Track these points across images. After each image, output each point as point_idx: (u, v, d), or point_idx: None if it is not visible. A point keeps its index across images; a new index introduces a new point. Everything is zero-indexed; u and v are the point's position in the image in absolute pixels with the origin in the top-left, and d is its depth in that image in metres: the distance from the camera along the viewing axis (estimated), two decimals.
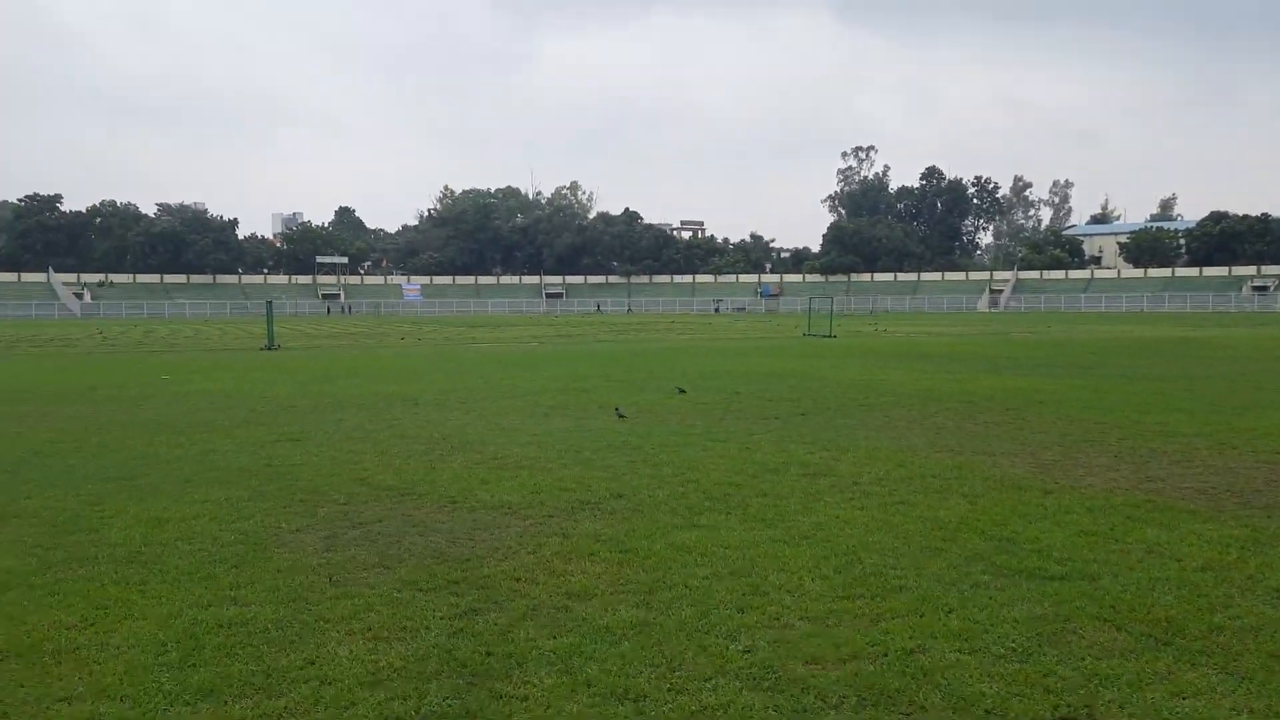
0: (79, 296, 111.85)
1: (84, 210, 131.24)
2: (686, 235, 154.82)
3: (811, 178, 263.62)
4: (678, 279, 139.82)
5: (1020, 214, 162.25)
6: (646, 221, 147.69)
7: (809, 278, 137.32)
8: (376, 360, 28.51)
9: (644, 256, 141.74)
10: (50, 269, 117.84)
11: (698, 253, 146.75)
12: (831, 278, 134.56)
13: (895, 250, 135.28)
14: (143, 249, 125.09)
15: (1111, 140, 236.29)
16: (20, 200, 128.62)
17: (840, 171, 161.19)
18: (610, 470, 10.00)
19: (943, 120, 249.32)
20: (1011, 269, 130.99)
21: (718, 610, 5.63)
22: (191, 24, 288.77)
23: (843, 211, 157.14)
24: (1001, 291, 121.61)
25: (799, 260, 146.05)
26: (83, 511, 8.16)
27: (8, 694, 4.49)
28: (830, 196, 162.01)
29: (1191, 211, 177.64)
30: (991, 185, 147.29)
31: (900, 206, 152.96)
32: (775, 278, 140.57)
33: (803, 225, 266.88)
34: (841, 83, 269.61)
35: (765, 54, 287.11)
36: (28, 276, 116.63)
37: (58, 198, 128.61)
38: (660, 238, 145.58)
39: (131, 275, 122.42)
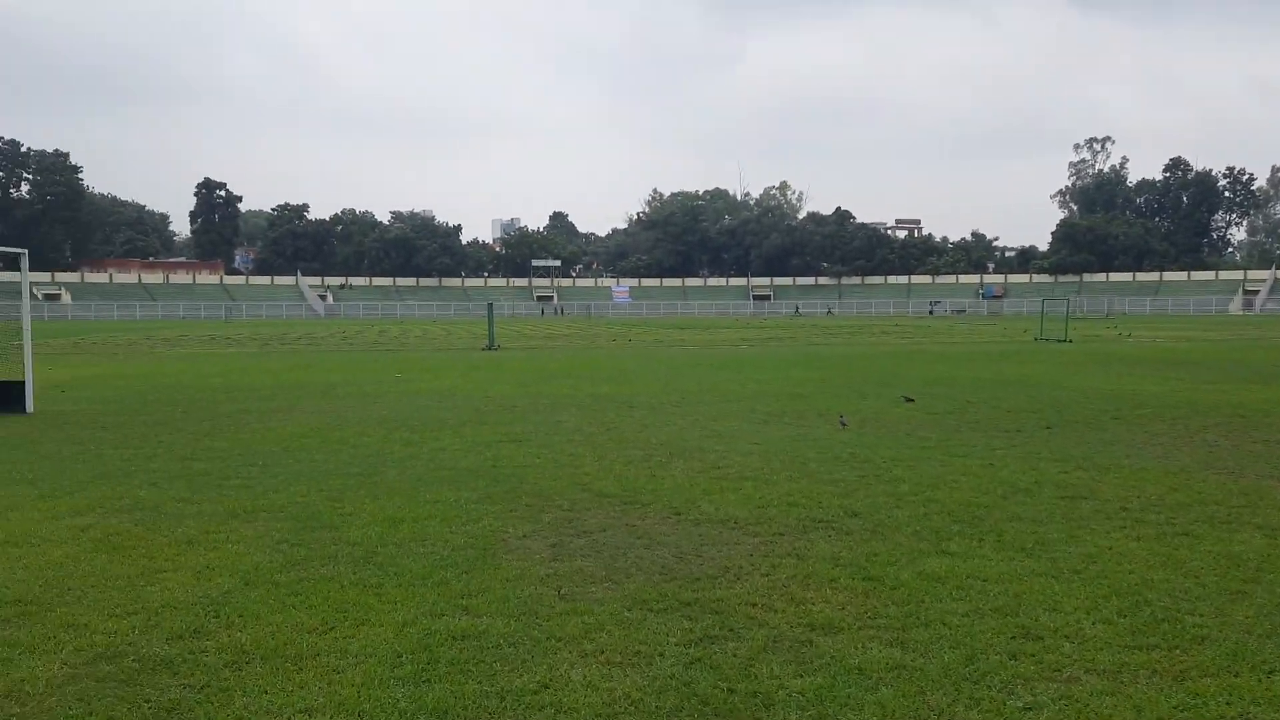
0: (322, 298, 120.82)
1: (327, 218, 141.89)
2: (901, 234, 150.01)
3: (1038, 172, 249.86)
4: (892, 279, 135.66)
5: (1279, 207, 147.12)
6: (859, 221, 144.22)
7: (1036, 278, 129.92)
8: (589, 361, 28.91)
9: (856, 257, 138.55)
10: (298, 272, 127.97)
11: (914, 252, 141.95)
12: (1061, 278, 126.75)
13: (1134, 248, 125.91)
14: (378, 254, 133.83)
15: None
16: (273, 210, 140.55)
17: (1072, 165, 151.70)
18: (840, 485, 9.40)
19: (1185, 108, 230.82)
20: (1269, 267, 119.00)
21: (986, 656, 4.98)
22: (417, 45, 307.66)
23: (1074, 207, 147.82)
24: (1257, 292, 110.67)
25: (1025, 259, 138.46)
26: (324, 508, 8.38)
27: (254, 701, 4.47)
28: (1060, 191, 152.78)
29: None
30: (1246, 176, 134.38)
31: (1140, 201, 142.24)
32: (999, 278, 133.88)
33: (1028, 222, 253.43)
34: (1072, 71, 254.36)
35: (989, 43, 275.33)
36: (279, 279, 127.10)
37: (305, 207, 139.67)
38: (873, 237, 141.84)
39: (368, 278, 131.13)
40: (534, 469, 10.16)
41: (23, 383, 14.92)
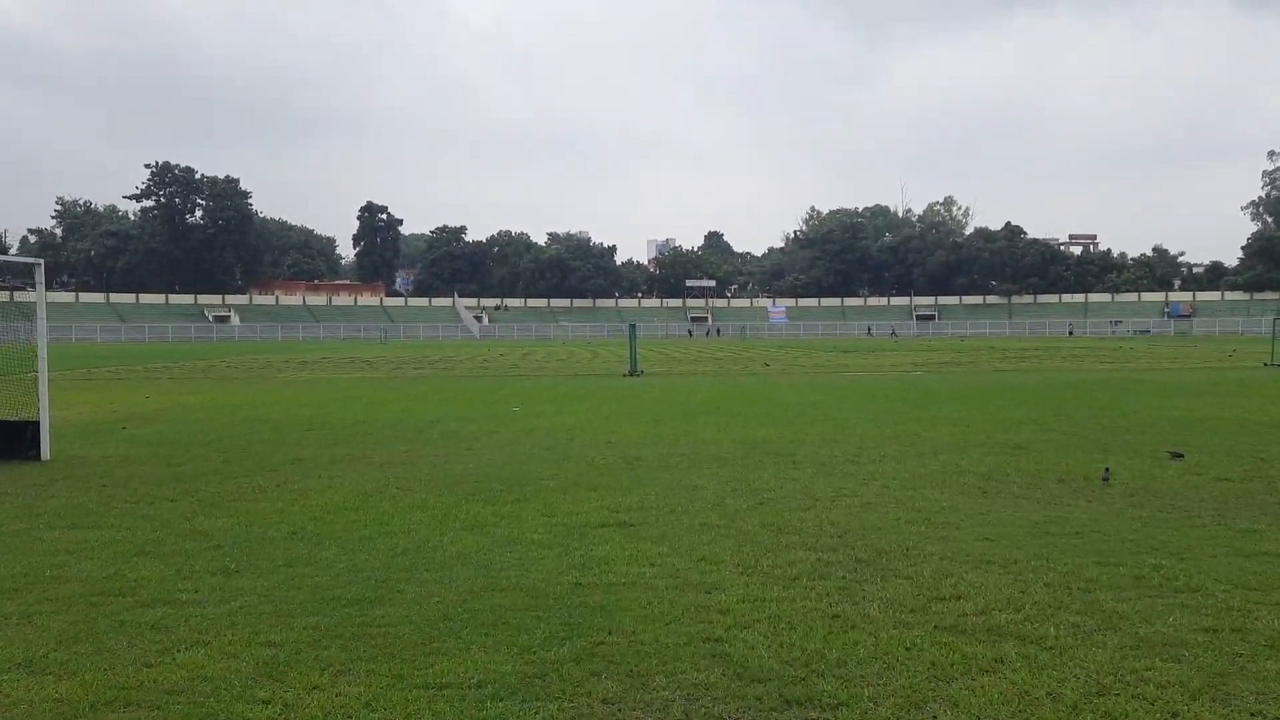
0: (478, 319, 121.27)
1: (484, 240, 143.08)
2: (1076, 250, 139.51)
3: (1223, 183, 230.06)
4: (1066, 298, 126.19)
5: None
6: (1030, 236, 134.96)
7: (1228, 295, 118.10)
8: (741, 392, 24.94)
9: (1027, 274, 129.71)
10: (455, 293, 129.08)
11: (1090, 269, 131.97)
12: (1258, 295, 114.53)
13: None
14: (532, 275, 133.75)
15: None
16: (432, 232, 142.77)
17: (1266, 174, 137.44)
18: (1180, 650, 5.20)
19: None
20: None
21: None
22: (561, 73, 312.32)
23: (1269, 219, 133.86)
24: None
25: (1215, 276, 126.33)
26: (238, 695, 4.80)
27: None
28: (1253, 203, 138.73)
29: None
30: None
31: None
32: (1185, 295, 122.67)
33: (1215, 236, 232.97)
34: (1242, 74, 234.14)
35: (1149, 49, 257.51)
36: (437, 300, 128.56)
37: (463, 229, 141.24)
38: (1046, 253, 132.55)
39: (523, 299, 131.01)
40: (637, 599, 6.31)
41: (36, 424, 12.20)
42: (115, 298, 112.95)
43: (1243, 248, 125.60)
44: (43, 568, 7.04)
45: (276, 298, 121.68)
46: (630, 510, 9.19)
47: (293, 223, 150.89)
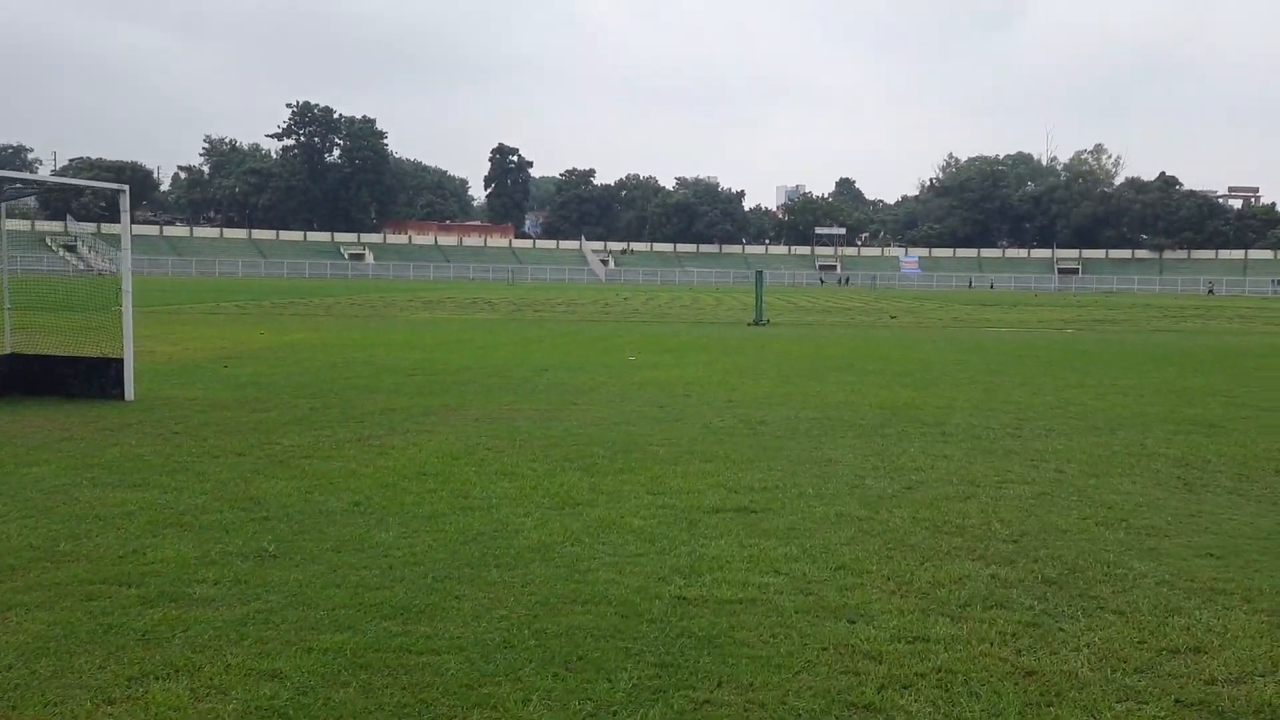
0: (604, 263, 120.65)
1: (612, 184, 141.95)
2: (1236, 204, 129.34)
3: None
4: (1224, 254, 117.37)
5: None
6: (1186, 188, 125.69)
7: None
8: (875, 346, 23.01)
9: (1182, 228, 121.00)
10: (583, 237, 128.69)
11: (1252, 223, 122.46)
12: None
13: None
14: (659, 219, 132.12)
15: None
16: (561, 175, 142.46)
17: None
18: None
19: None
20: None
21: None
22: (688, 16, 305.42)
23: None
24: None
25: None
26: None
27: None
28: None
29: None
30: None
31: None
32: None
33: None
34: None
35: None
36: (564, 244, 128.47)
37: (591, 172, 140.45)
38: (1204, 206, 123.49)
39: (649, 244, 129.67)
40: (757, 627, 4.86)
41: (120, 360, 11.47)
42: (257, 234, 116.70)
43: None
44: (58, 539, 6.04)
45: (410, 237, 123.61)
46: (751, 490, 7.72)
47: (427, 164, 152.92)
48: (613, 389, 13.94)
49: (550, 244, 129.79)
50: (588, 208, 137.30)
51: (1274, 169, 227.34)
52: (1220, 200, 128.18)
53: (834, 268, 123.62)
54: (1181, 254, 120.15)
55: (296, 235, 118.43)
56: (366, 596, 5.16)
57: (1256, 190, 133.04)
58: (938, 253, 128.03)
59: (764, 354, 20.27)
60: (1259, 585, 5.54)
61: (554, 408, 12.06)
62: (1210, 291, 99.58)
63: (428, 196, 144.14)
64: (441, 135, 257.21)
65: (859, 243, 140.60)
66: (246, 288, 60.52)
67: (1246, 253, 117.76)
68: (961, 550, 6.20)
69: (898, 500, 7.50)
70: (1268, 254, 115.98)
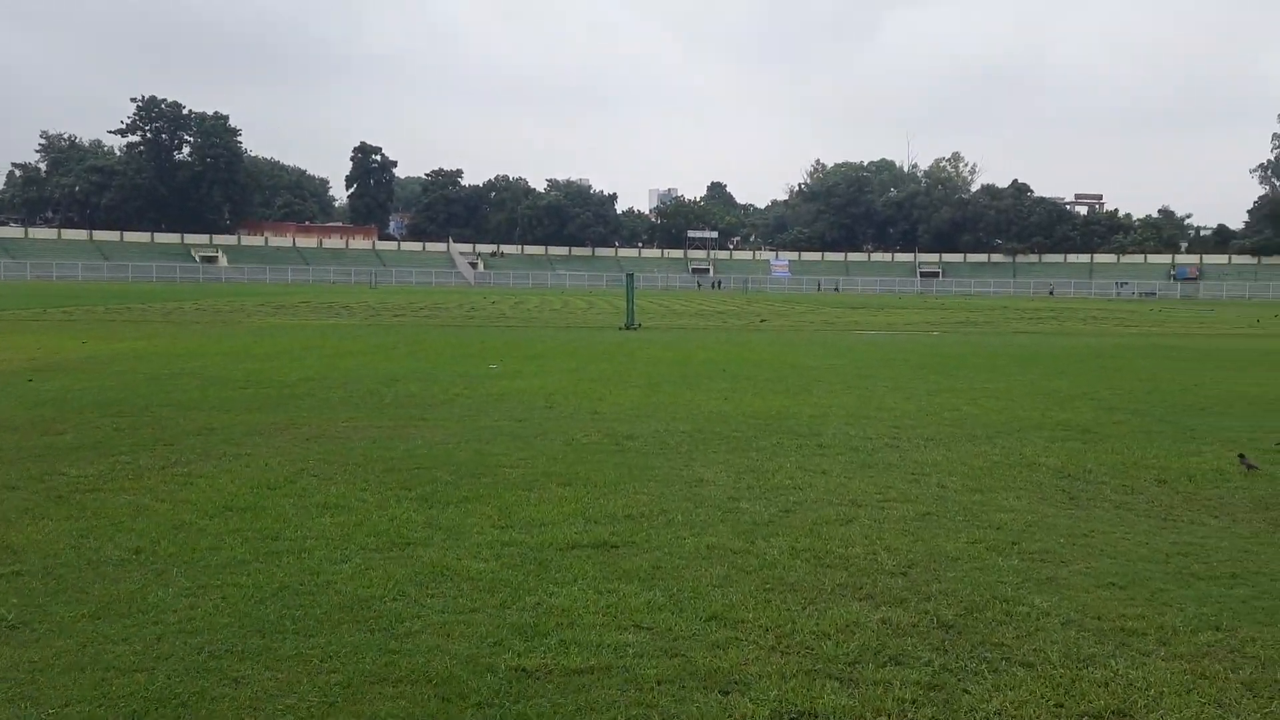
0: (473, 265, 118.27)
1: (481, 185, 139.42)
2: (1082, 210, 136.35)
3: (1229, 146, 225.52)
4: (1072, 258, 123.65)
5: None
6: (1037, 195, 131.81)
7: (1236, 259, 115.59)
8: (748, 351, 22.54)
9: (1033, 233, 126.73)
10: (450, 239, 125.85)
11: (1097, 229, 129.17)
12: (1266, 259, 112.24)
13: None
14: (530, 221, 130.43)
15: None
16: (427, 175, 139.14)
17: (1277, 137, 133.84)
18: None
19: None
20: None
21: None
22: (548, 17, 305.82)
23: (1277, 183, 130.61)
24: None
25: (1223, 239, 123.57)
26: None
27: None
28: (1261, 165, 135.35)
29: None
30: None
31: None
32: (1192, 258, 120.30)
33: (1222, 199, 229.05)
34: (1253, 38, 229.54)
35: (1156, 8, 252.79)
36: (431, 246, 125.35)
37: (458, 173, 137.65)
38: (1053, 212, 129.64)
39: (520, 246, 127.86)
40: (611, 707, 3.99)
41: None
42: (99, 235, 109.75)
43: (1249, 211, 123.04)
44: None
45: (266, 239, 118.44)
46: (613, 520, 6.84)
47: (285, 163, 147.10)
48: (468, 401, 12.87)
49: (416, 246, 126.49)
50: (455, 209, 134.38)
51: (1116, 178, 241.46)
52: (1068, 207, 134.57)
53: (707, 271, 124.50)
54: (1033, 258, 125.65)
55: (143, 237, 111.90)
56: (115, 685, 4.04)
57: (1100, 197, 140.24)
58: (807, 256, 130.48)
59: (634, 360, 19.49)
60: (1171, 623, 4.95)
61: (399, 424, 10.93)
62: (1051, 293, 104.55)
63: (286, 196, 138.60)
64: (300, 133, 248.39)
65: (731, 246, 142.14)
66: (84, 292, 56.43)
67: (1092, 256, 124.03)
68: (847, 588, 5.45)
69: (775, 527, 6.73)
70: (1111, 258, 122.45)
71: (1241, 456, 9.13)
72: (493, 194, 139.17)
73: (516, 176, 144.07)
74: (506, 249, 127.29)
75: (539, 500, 7.37)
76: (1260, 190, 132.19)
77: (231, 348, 20.76)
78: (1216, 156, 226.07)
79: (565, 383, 15.17)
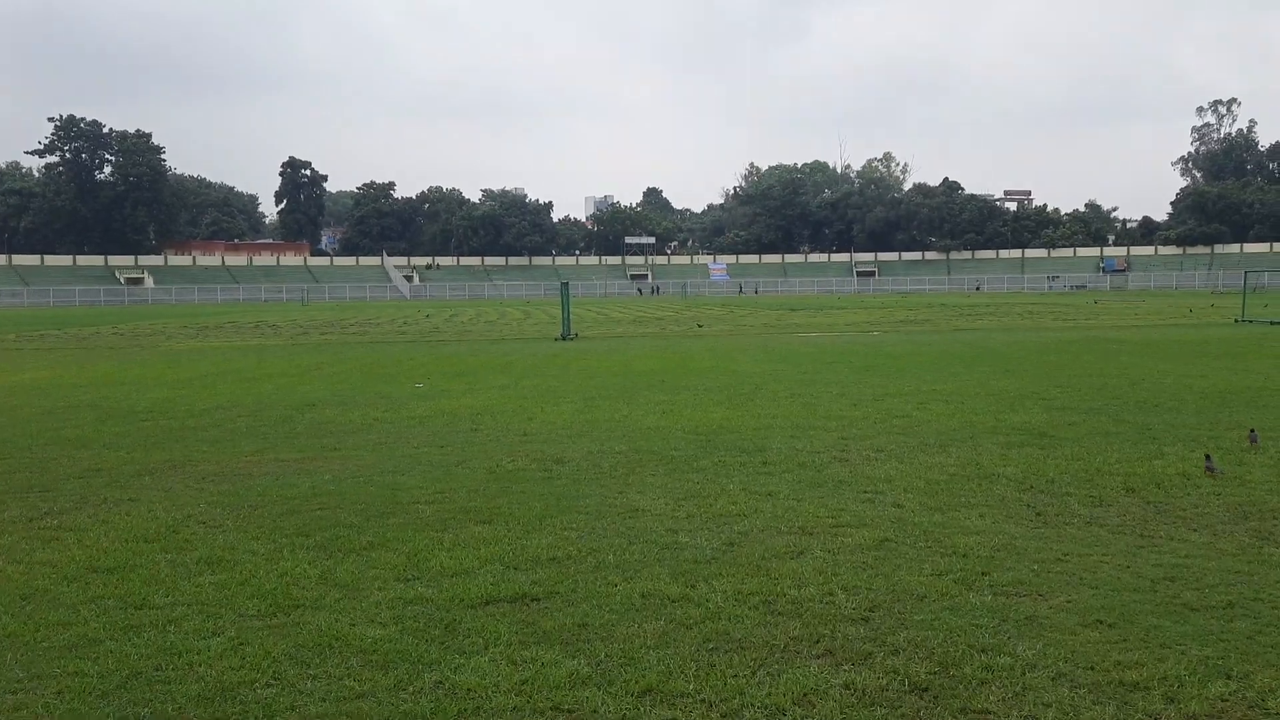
0: (408, 279, 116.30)
1: (414, 196, 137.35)
2: (1012, 206, 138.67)
3: (1149, 139, 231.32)
4: (1004, 254, 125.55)
5: None
6: (968, 192, 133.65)
7: (1162, 250, 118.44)
8: (688, 359, 21.86)
9: (965, 230, 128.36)
10: (384, 252, 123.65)
11: (1027, 224, 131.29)
12: (1190, 249, 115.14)
13: (1271, 216, 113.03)
14: (465, 232, 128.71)
15: None
16: (359, 188, 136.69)
17: (1195, 130, 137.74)
18: None
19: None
20: None
21: None
22: (479, 28, 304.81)
23: (1198, 175, 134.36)
24: None
25: (1148, 231, 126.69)
26: None
27: None
28: (1183, 158, 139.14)
29: None
30: None
31: (1273, 166, 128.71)
32: (1120, 251, 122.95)
33: (1146, 192, 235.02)
34: (1160, 34, 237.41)
35: (1061, 6, 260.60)
36: (364, 260, 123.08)
37: (391, 185, 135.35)
38: (984, 209, 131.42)
39: (455, 258, 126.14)
40: None
41: None
42: (18, 259, 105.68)
43: (1173, 203, 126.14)
44: None
45: (194, 258, 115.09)
46: (537, 564, 6.04)
47: (211, 180, 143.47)
48: (388, 426, 11.95)
49: (349, 261, 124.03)
50: (389, 222, 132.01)
51: (1043, 174, 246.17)
52: (998, 203, 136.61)
53: (645, 276, 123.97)
54: (966, 254, 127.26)
55: (65, 260, 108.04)
56: None
57: (1029, 193, 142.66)
58: (745, 259, 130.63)
59: (568, 373, 18.67)
60: (1175, 672, 4.30)
61: (308, 456, 10.00)
62: (977, 289, 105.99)
63: (213, 214, 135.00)
64: (226, 150, 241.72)
65: (669, 251, 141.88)
66: (2, 320, 53.98)
67: (1024, 252, 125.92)
68: (802, 641, 4.73)
69: (718, 564, 6.00)
70: (1041, 253, 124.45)
71: (1208, 457, 8.66)
72: (426, 206, 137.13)
73: (450, 188, 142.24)
74: (442, 261, 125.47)
75: (453, 543, 6.55)
76: (1182, 182, 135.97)
77: (141, 375, 19.50)
78: (1140, 150, 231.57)
79: (494, 401, 14.31)
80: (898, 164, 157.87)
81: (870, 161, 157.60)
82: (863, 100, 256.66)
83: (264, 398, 15.12)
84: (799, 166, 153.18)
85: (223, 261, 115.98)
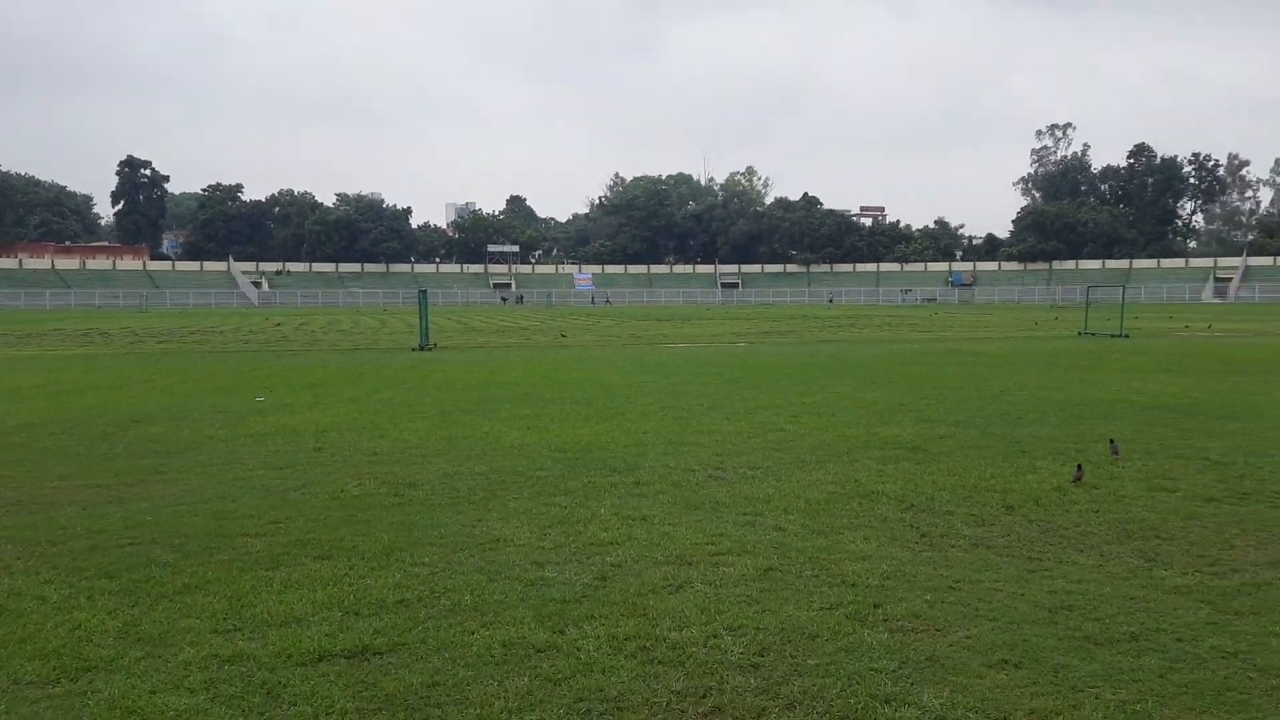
0: (257, 285, 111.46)
1: (263, 199, 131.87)
2: (867, 221, 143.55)
3: (991, 160, 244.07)
4: (860, 267, 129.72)
5: (1236, 195, 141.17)
6: (827, 207, 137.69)
7: (1005, 265, 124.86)
8: (554, 370, 21.18)
9: (825, 244, 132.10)
10: (230, 258, 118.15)
11: (882, 239, 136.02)
12: (1030, 265, 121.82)
13: (1102, 235, 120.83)
14: (318, 237, 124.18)
15: None
16: (204, 190, 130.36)
17: (1034, 151, 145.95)
18: None
19: (1107, 98, 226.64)
20: (1238, 255, 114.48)
21: None
22: (326, 26, 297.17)
23: (1037, 195, 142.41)
24: (1229, 280, 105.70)
25: (992, 247, 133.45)
26: None
27: None
28: (1023, 179, 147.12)
29: None
30: (1211, 163, 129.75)
31: (1104, 188, 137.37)
32: (967, 265, 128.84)
33: (989, 210, 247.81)
34: (998, 62, 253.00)
35: (909, 34, 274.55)
36: (209, 265, 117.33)
37: (238, 187, 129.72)
38: (842, 224, 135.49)
39: (308, 264, 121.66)
40: None
41: None
42: None
43: (1014, 221, 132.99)
44: None
45: (20, 261, 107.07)
46: (381, 610, 5.27)
47: (41, 179, 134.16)
48: (221, 445, 10.84)
49: (193, 266, 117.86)
50: (236, 225, 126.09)
51: (895, 191, 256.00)
52: (854, 218, 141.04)
53: (509, 285, 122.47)
54: (825, 267, 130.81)
55: None
56: None
57: (883, 209, 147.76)
58: (610, 269, 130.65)
59: (426, 385, 17.72)
60: (1086, 716, 3.91)
61: (127, 480, 8.86)
62: (830, 301, 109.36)
63: (43, 214, 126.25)
64: (57, 148, 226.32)
65: (533, 260, 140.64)
66: None
67: (879, 265, 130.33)
68: (687, 698, 4.15)
69: (590, 604, 5.36)
70: (895, 266, 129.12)
71: (1079, 467, 8.62)
72: (277, 209, 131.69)
73: (302, 191, 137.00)
74: (293, 267, 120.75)
75: (285, 584, 5.70)
76: (1023, 201, 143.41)
77: None
78: (985, 170, 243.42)
79: (343, 416, 13.29)
80: (760, 178, 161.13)
81: (733, 175, 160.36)
82: (725, 114, 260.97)
83: (83, 412, 13.64)
84: (664, 178, 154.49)
85: (53, 265, 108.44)
